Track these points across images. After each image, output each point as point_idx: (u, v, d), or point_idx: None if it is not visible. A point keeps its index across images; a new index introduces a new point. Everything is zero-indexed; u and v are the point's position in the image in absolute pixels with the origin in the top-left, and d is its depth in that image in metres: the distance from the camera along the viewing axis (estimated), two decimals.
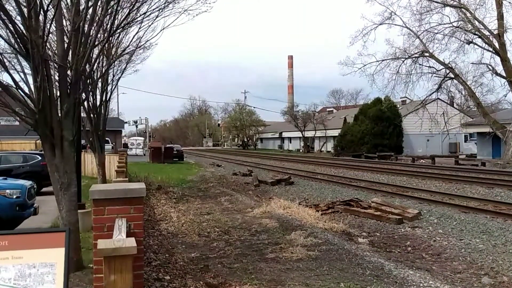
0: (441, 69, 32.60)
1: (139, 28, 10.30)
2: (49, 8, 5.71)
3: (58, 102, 6.20)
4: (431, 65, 33.08)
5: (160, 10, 8.60)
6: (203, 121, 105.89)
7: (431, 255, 8.78)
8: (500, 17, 29.21)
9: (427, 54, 32.50)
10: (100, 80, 12.96)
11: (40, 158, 15.89)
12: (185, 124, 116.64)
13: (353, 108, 70.15)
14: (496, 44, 29.56)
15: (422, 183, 19.36)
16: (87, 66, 7.71)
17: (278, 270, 7.10)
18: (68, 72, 6.23)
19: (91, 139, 13.99)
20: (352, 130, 45.31)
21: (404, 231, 10.76)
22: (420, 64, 33.19)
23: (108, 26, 7.97)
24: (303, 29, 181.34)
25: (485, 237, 9.73)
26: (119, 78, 15.07)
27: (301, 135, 61.95)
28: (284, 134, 74.63)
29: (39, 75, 5.55)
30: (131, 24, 9.17)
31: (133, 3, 8.12)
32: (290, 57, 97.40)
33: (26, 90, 6.00)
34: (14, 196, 8.80)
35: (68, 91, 6.19)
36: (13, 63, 7.40)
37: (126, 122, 69.25)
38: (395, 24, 33.47)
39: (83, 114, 12.19)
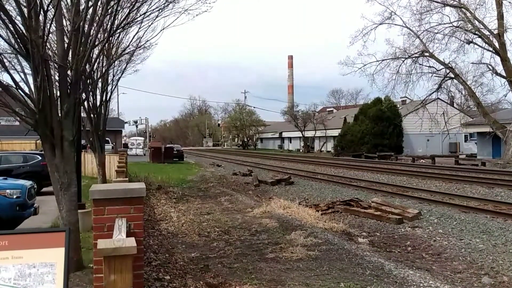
0: (441, 69, 32.59)
1: (139, 28, 10.31)
2: (49, 8, 5.71)
3: (58, 102, 6.20)
4: (431, 65, 33.10)
5: (160, 10, 8.60)
6: (203, 121, 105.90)
7: (431, 255, 8.78)
8: (500, 16, 29.20)
9: (427, 54, 32.49)
10: (100, 80, 12.97)
11: (40, 158, 15.89)
12: (185, 124, 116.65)
13: (353, 108, 70.14)
14: (496, 44, 29.54)
15: (422, 183, 19.36)
16: (87, 66, 7.71)
17: (278, 270, 7.10)
18: (68, 72, 6.23)
19: (91, 139, 14.00)
20: (352, 130, 45.31)
21: (404, 231, 10.76)
22: (420, 64, 33.20)
23: (108, 26, 7.98)
24: (303, 29, 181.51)
25: (485, 237, 9.73)
26: (119, 78, 15.09)
27: (301, 135, 61.95)
28: (284, 134, 74.63)
29: (39, 75, 5.55)
30: (131, 24, 9.17)
31: (133, 3, 8.12)
32: (290, 57, 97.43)
33: (26, 90, 6.01)
34: (14, 196, 8.81)
35: (68, 91, 6.19)
36: (13, 63, 7.42)
37: (126, 122, 69.31)
38: (395, 24, 33.48)
39: (83, 114, 12.20)
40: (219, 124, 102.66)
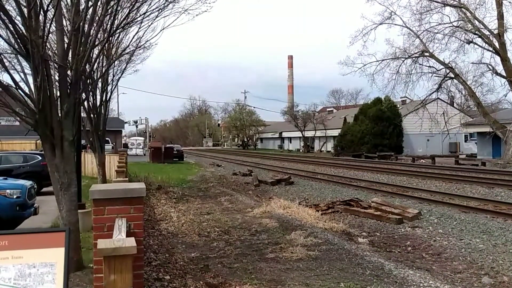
0: (441, 69, 32.58)
1: (139, 28, 10.31)
2: (49, 8, 5.71)
3: (58, 102, 6.20)
4: (431, 65, 33.08)
5: (160, 10, 8.59)
6: (203, 121, 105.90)
7: (431, 255, 8.78)
8: (500, 16, 29.19)
9: (427, 54, 32.47)
10: (100, 80, 12.97)
11: (40, 158, 15.89)
12: (185, 124, 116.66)
13: (353, 108, 70.13)
14: (496, 44, 29.53)
15: (422, 183, 19.36)
16: (87, 66, 7.71)
17: (278, 270, 7.10)
18: (68, 72, 6.23)
19: (91, 139, 14.00)
20: (352, 130, 45.30)
21: (404, 231, 10.76)
22: (420, 64, 33.18)
23: (108, 26, 7.97)
24: (303, 29, 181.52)
25: (485, 237, 9.73)
26: (119, 78, 15.10)
27: (301, 135, 61.95)
28: (284, 134, 74.63)
29: (39, 75, 5.55)
30: (131, 24, 9.16)
31: (133, 3, 8.12)
32: (290, 57, 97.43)
33: (26, 90, 6.01)
34: (15, 196, 8.81)
35: (68, 91, 6.19)
36: (13, 63, 7.42)
37: (126, 122, 69.32)
38: (395, 24, 33.46)
39: (83, 114, 12.20)
40: (219, 124, 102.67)
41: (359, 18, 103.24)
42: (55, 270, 2.69)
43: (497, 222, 10.95)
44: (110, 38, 10.27)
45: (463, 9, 30.49)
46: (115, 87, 15.44)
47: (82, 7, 6.30)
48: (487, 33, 30.03)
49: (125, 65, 14.95)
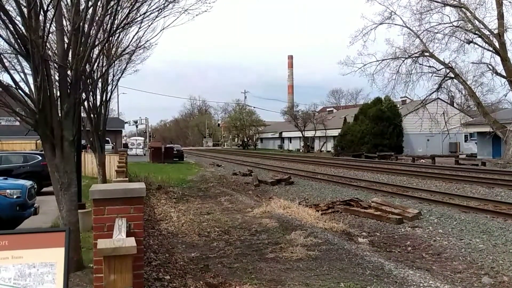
0: (441, 69, 32.57)
1: (139, 28, 10.33)
2: (49, 8, 5.71)
3: (58, 102, 6.20)
4: (431, 65, 33.07)
5: (160, 10, 8.59)
6: (203, 121, 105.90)
7: (431, 255, 8.78)
8: (500, 16, 29.18)
9: (427, 54, 32.47)
10: (100, 80, 12.97)
11: (40, 158, 15.90)
12: (185, 124, 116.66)
13: (353, 108, 70.13)
14: (496, 44, 29.53)
15: (422, 183, 19.36)
16: (87, 66, 7.71)
17: (278, 270, 7.10)
18: (68, 72, 6.23)
19: (91, 139, 14.01)
20: (352, 130, 45.31)
21: (404, 231, 10.76)
22: (420, 64, 33.17)
23: (108, 26, 7.97)
24: (303, 29, 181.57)
25: (485, 237, 9.73)
26: (119, 78, 15.11)
27: (301, 135, 61.95)
28: (284, 134, 74.64)
29: (39, 75, 5.56)
30: (131, 24, 9.17)
31: (133, 3, 8.12)
32: (290, 57, 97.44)
33: (26, 90, 6.01)
34: (15, 196, 8.81)
35: (68, 91, 6.19)
36: (13, 63, 7.42)
37: (126, 122, 69.31)
38: (395, 24, 33.45)
39: (83, 114, 12.20)
40: (219, 124, 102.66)
41: (359, 18, 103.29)
42: (55, 270, 2.69)
43: (497, 222, 10.95)
44: (110, 38, 10.27)
45: (463, 9, 30.49)
46: (115, 87, 15.46)
47: (82, 7, 6.30)
48: (487, 33, 30.03)
49: (125, 65, 14.98)
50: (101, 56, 11.06)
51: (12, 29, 5.46)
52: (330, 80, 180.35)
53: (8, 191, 8.82)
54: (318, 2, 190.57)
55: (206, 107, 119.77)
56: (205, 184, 21.13)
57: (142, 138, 59.87)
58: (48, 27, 5.81)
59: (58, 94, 6.22)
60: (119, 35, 12.18)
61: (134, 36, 11.57)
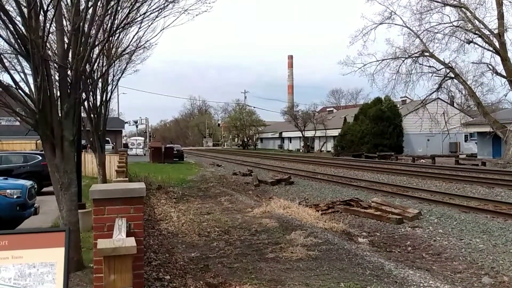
0: (441, 69, 32.55)
1: (139, 28, 10.33)
2: (49, 8, 5.71)
3: (58, 102, 6.21)
4: (431, 65, 33.04)
5: (160, 10, 8.60)
6: (203, 121, 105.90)
7: (431, 255, 8.78)
8: (500, 16, 29.17)
9: (427, 54, 32.45)
10: (100, 80, 12.98)
11: (40, 158, 15.90)
12: (185, 124, 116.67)
13: (353, 108, 70.12)
14: (497, 44, 29.52)
15: (422, 183, 19.36)
16: (87, 66, 7.71)
17: (278, 270, 7.10)
18: (68, 72, 6.23)
19: (91, 139, 14.01)
20: (352, 130, 45.31)
21: (404, 231, 10.76)
22: (420, 64, 33.14)
23: (108, 26, 7.98)
24: (303, 29, 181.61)
25: (486, 237, 9.73)
26: (119, 78, 15.12)
27: (301, 135, 61.95)
28: (284, 134, 74.64)
29: (39, 75, 5.56)
30: (131, 24, 9.18)
31: (133, 3, 8.12)
32: (290, 57, 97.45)
33: (27, 90, 6.01)
34: (15, 196, 8.82)
35: (68, 91, 6.20)
36: (13, 63, 7.42)
37: (126, 122, 69.30)
38: (395, 24, 33.42)
39: (83, 114, 12.21)
40: (219, 124, 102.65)
41: (359, 18, 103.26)
42: (55, 270, 2.69)
43: (497, 222, 10.95)
44: (110, 38, 10.28)
45: (463, 9, 30.48)
46: (115, 87, 15.47)
47: (82, 7, 6.31)
48: (487, 33, 30.02)
49: (125, 65, 15.00)
50: (101, 56, 11.07)
51: (12, 29, 5.46)
52: (330, 80, 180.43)
53: (8, 191, 8.82)
54: (318, 2, 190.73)
55: (206, 107, 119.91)
56: (205, 184, 21.13)
57: (142, 138, 59.87)
58: (48, 27, 5.82)
59: (58, 94, 6.22)
60: (119, 35, 12.19)
61: (134, 36, 11.62)
